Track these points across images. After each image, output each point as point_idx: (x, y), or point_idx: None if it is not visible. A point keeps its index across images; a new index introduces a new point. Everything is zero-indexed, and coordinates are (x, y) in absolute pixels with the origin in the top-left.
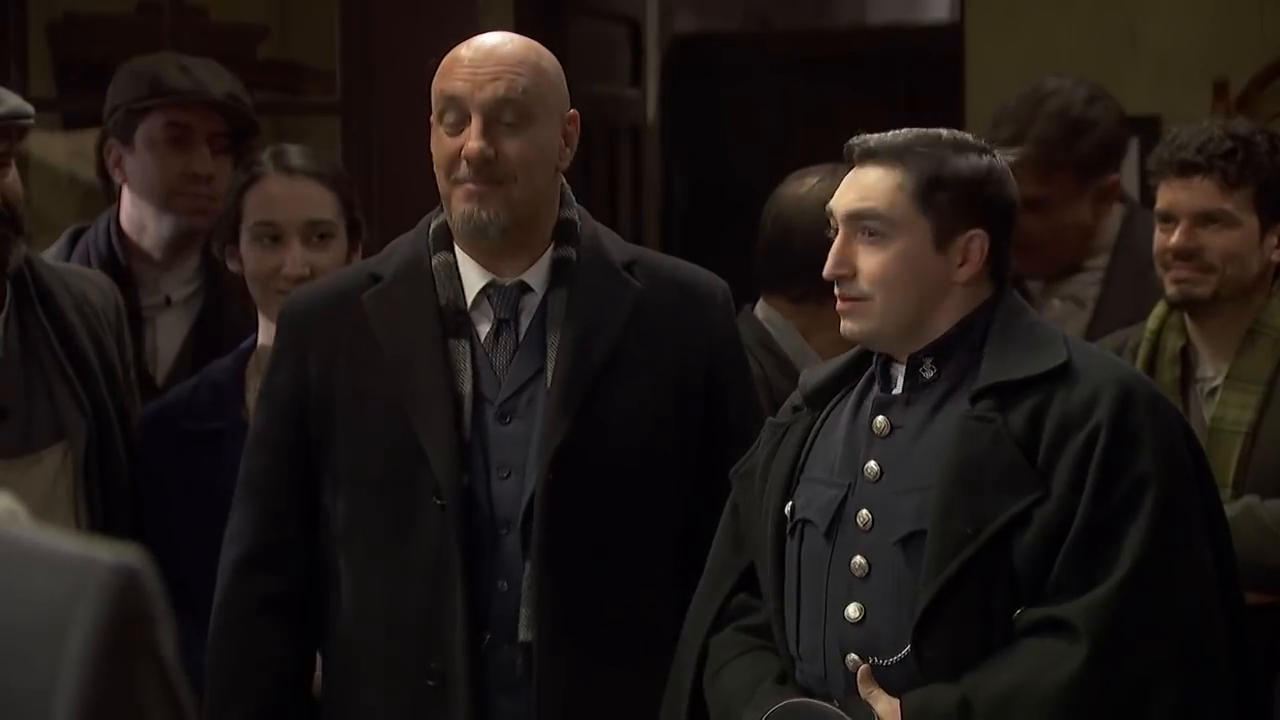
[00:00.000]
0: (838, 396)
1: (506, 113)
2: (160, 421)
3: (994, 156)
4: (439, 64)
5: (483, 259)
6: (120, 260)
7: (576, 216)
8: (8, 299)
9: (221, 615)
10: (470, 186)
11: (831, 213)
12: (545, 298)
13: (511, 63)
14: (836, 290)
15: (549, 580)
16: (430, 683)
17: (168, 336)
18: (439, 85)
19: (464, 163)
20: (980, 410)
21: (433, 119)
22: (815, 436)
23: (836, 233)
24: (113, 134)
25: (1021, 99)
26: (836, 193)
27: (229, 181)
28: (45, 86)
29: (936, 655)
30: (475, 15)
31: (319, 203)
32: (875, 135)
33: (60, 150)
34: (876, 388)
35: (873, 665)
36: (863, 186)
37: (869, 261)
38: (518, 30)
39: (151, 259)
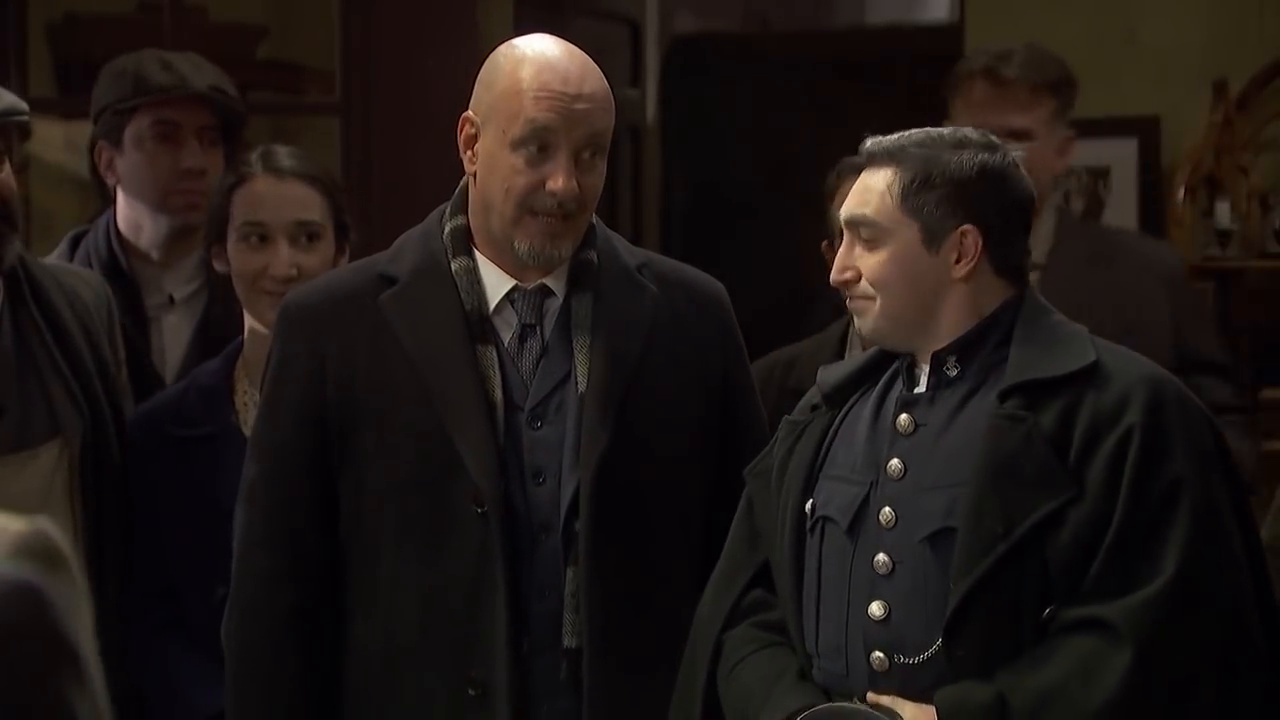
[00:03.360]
0: (857, 395)
1: (590, 148)
2: (149, 427)
3: (996, 153)
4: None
5: (506, 265)
6: (121, 262)
7: (593, 219)
8: (0, 296)
9: (248, 628)
10: (549, 222)
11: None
12: (568, 301)
13: (599, 98)
14: (845, 292)
15: (595, 586)
16: (472, 691)
17: (174, 335)
18: (521, 109)
19: (549, 198)
20: (1010, 408)
21: (499, 139)
22: (834, 434)
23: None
24: (101, 136)
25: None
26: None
27: (217, 182)
28: (45, 86)
29: (967, 653)
30: (475, 15)
31: (307, 203)
32: (878, 137)
33: (58, 140)
34: (901, 386)
35: (898, 663)
36: (859, 192)
37: (865, 265)
38: (516, 30)
39: (151, 259)
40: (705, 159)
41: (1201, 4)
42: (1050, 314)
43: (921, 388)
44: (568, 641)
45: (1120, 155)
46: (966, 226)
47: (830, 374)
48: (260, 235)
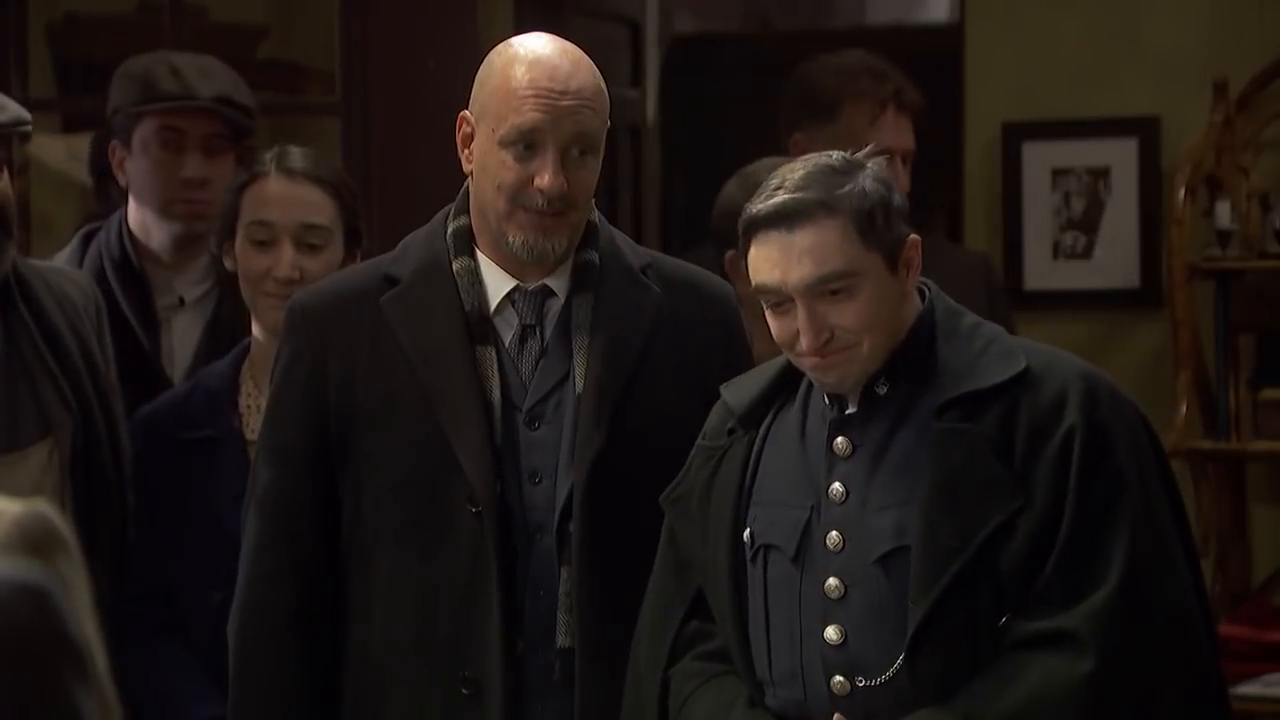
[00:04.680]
0: (771, 414)
1: (579, 145)
2: (153, 427)
3: (870, 164)
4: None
5: (508, 265)
6: (133, 262)
7: (596, 219)
8: None
9: (251, 629)
10: (538, 218)
11: (782, 290)
12: (569, 302)
13: (587, 95)
14: (819, 352)
15: (589, 586)
16: (465, 691)
17: (183, 337)
18: (508, 108)
19: (537, 195)
20: (951, 422)
21: (490, 137)
22: (758, 458)
23: (780, 306)
24: (116, 136)
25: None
26: (779, 270)
27: (230, 180)
28: (45, 87)
29: (929, 670)
30: (475, 15)
31: (316, 207)
32: (787, 197)
33: (59, 152)
34: (828, 408)
35: (860, 686)
36: (813, 251)
37: (844, 315)
38: (516, 31)
39: (162, 260)
40: (705, 159)
41: (1201, 4)
42: (963, 314)
43: (852, 409)
44: (561, 641)
45: (1120, 155)
46: (912, 236)
47: (738, 395)
48: (266, 236)
